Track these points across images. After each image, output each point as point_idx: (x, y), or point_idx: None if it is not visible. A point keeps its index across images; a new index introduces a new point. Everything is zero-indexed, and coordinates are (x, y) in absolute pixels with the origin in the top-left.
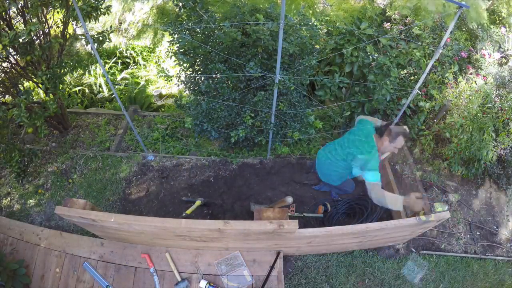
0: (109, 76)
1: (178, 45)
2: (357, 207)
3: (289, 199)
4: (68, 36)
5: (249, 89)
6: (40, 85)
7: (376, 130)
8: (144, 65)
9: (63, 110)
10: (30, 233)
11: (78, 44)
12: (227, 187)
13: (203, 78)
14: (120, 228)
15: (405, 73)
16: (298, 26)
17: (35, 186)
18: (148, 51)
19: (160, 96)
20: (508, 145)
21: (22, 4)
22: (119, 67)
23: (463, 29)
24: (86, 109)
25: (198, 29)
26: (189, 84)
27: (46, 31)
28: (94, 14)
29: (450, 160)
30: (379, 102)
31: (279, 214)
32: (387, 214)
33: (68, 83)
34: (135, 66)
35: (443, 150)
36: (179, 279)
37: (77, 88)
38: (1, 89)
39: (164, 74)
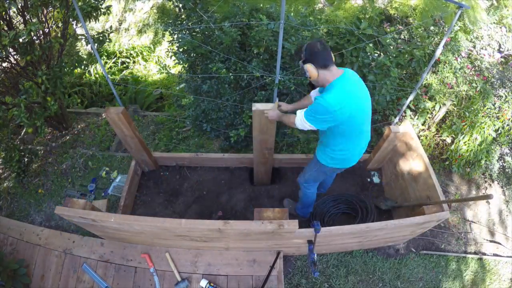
0: (109, 76)
1: (178, 45)
2: (354, 206)
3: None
4: (68, 36)
5: (250, 89)
6: (40, 85)
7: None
8: (144, 65)
9: (63, 110)
10: (30, 233)
11: (78, 44)
12: (226, 187)
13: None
14: (120, 228)
15: (405, 73)
16: (299, 27)
17: (35, 186)
18: (148, 51)
19: (160, 95)
20: (508, 145)
21: (22, 4)
22: (119, 67)
23: (463, 29)
24: (86, 109)
25: (198, 29)
26: (189, 84)
27: (46, 31)
28: (94, 14)
29: (450, 160)
30: (379, 102)
31: (279, 214)
32: (387, 215)
33: (68, 83)
34: (135, 66)
35: (443, 150)
36: (179, 279)
37: (77, 88)
38: (1, 89)
39: (166, 71)
